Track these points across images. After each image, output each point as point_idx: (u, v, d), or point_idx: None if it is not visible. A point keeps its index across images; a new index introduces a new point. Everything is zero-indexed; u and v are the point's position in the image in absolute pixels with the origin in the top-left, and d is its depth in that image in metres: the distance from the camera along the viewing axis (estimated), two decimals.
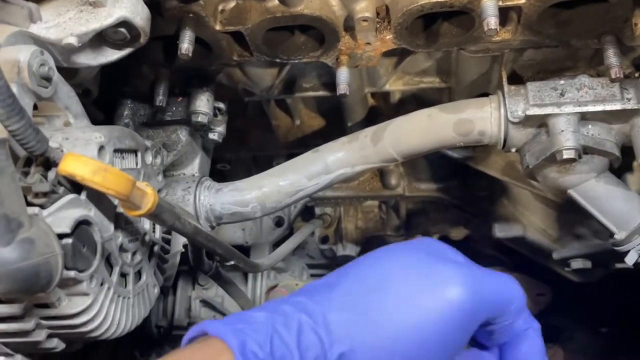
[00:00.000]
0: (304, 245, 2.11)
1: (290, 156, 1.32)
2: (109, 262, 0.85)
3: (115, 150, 0.87)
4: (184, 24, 1.03)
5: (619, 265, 1.50)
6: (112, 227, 0.84)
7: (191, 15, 1.03)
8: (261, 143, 1.68)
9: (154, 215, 0.74)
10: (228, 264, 1.09)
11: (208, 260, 1.18)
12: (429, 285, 0.63)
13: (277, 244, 1.79)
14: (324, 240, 2.00)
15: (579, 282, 1.74)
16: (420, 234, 2.08)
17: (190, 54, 1.02)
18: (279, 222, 1.82)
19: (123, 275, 0.89)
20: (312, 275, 2.16)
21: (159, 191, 1.04)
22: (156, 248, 1.01)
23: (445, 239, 2.14)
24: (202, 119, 1.21)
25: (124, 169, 0.89)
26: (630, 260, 1.12)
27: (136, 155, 0.95)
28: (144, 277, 0.95)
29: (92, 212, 0.78)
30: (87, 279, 0.76)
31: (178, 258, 1.16)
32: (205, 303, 1.67)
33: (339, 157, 1.25)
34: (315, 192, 1.28)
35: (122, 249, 0.87)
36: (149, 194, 0.70)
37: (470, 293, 0.63)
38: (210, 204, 1.26)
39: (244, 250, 1.81)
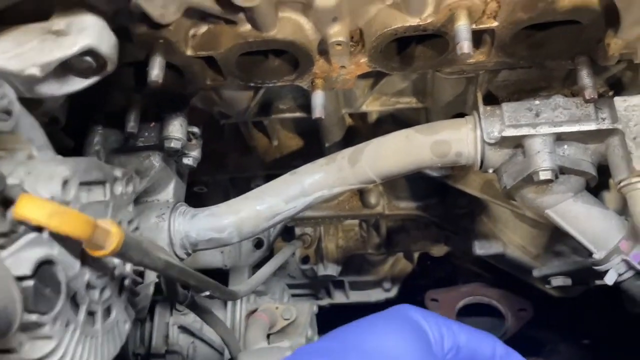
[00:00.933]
0: (285, 266, 2.08)
1: (269, 177, 1.30)
2: (74, 301, 0.81)
3: (82, 183, 0.84)
4: (154, 49, 1.01)
5: (598, 282, 1.50)
6: (78, 264, 0.80)
7: (161, 40, 1.00)
8: (239, 165, 1.66)
9: (120, 254, 0.71)
10: (203, 294, 1.06)
11: (183, 290, 1.15)
12: None
13: (257, 266, 1.76)
14: (305, 260, 1.98)
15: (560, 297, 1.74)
16: (401, 251, 2.08)
17: (160, 81, 0.99)
18: (258, 244, 1.79)
19: (91, 313, 0.85)
20: (294, 296, 2.13)
21: (130, 222, 1.00)
22: (127, 282, 0.97)
23: (426, 256, 2.14)
24: (175, 144, 1.18)
25: (90, 203, 0.86)
26: (609, 279, 1.11)
27: (104, 187, 0.91)
28: (113, 314, 0.92)
29: (55, 251, 0.74)
30: (50, 322, 0.72)
31: (152, 289, 1.12)
32: (184, 329, 1.63)
33: (316, 179, 1.24)
34: (293, 215, 1.26)
35: (89, 286, 0.84)
36: (113, 233, 0.67)
37: None
38: (186, 231, 1.23)
39: (223, 273, 1.77)
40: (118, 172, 0.99)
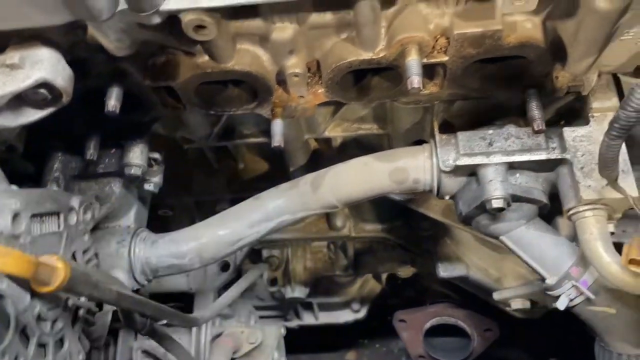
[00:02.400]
0: (253, 288, 2.08)
1: (235, 201, 1.31)
2: (25, 334, 0.81)
3: (34, 215, 0.84)
4: (111, 79, 1.02)
5: (555, 305, 1.53)
6: (28, 297, 0.80)
7: (119, 72, 1.01)
8: (204, 188, 1.66)
9: (67, 289, 0.71)
10: (161, 322, 1.06)
11: (141, 317, 1.14)
12: None
13: (224, 288, 1.76)
14: (273, 282, 1.98)
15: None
16: (368, 273, 2.09)
17: (117, 111, 1.00)
18: (224, 267, 1.78)
19: (42, 345, 0.85)
20: (262, 317, 2.13)
21: (85, 251, 1.00)
22: (81, 312, 0.97)
23: (394, 277, 2.15)
24: (135, 171, 1.19)
25: (43, 234, 0.87)
26: (561, 305, 1.15)
27: (58, 218, 0.91)
28: (66, 345, 0.91)
29: (3, 285, 0.74)
30: None
31: (109, 317, 1.12)
32: (148, 354, 1.62)
33: (279, 204, 1.25)
34: (256, 240, 1.26)
35: (40, 318, 0.83)
36: (58, 269, 0.68)
37: None
38: (146, 257, 1.23)
39: (189, 296, 1.76)
40: (74, 202, 0.99)
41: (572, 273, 1.13)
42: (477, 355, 2.06)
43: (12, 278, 0.76)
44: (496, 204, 1.09)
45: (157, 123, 1.29)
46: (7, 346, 0.74)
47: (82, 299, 0.96)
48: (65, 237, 0.93)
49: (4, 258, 0.60)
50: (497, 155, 1.13)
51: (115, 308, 1.14)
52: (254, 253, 1.95)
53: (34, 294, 0.82)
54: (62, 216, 0.92)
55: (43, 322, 0.85)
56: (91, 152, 1.16)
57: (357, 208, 1.77)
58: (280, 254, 1.94)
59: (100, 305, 1.12)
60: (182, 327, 1.48)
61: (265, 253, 1.94)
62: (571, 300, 1.14)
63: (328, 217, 1.81)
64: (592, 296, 1.10)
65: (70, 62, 0.92)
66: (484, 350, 2.05)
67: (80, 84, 0.99)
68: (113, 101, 0.99)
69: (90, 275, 0.78)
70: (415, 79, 0.94)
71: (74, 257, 0.96)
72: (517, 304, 1.50)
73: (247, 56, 1.03)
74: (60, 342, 0.90)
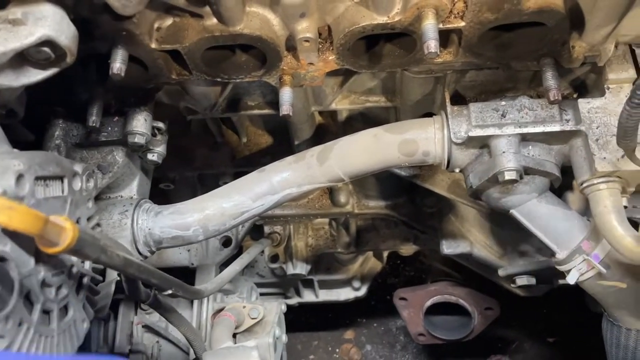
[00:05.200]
0: (254, 264, 2.06)
1: (238, 174, 1.28)
2: (29, 300, 0.78)
3: (38, 178, 0.81)
4: (116, 42, 0.98)
5: (562, 282, 1.52)
6: (32, 261, 0.77)
7: (124, 33, 0.98)
8: (206, 161, 1.63)
9: (75, 251, 0.69)
10: (166, 293, 1.04)
11: (145, 288, 1.12)
12: None
13: (225, 264, 1.74)
14: (274, 259, 1.97)
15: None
16: (370, 250, 2.08)
17: (122, 74, 0.97)
18: (226, 243, 1.76)
19: (46, 312, 0.82)
20: (262, 294, 2.12)
21: (89, 218, 0.98)
22: (85, 279, 0.94)
23: (396, 255, 2.14)
24: (139, 139, 1.16)
25: (47, 198, 0.84)
26: (571, 279, 1.13)
27: (62, 182, 0.88)
28: (70, 313, 0.89)
29: (7, 247, 0.72)
30: (2, 320, 0.70)
31: (113, 287, 1.10)
32: (148, 328, 1.60)
33: (284, 177, 1.23)
34: (260, 213, 1.24)
35: (44, 284, 0.81)
36: (67, 229, 0.65)
37: None
38: (149, 228, 1.20)
39: (190, 272, 1.74)
40: (78, 167, 0.96)
41: (583, 247, 1.12)
42: (477, 333, 2.05)
43: (17, 240, 0.73)
44: (509, 175, 1.07)
45: (161, 91, 1.26)
46: (10, 311, 0.71)
47: (87, 266, 0.94)
48: (70, 202, 0.90)
49: (10, 211, 0.57)
50: (510, 127, 1.11)
51: (118, 279, 1.11)
52: (256, 229, 1.93)
53: (38, 259, 0.80)
54: (66, 181, 0.89)
55: (47, 288, 0.82)
56: (93, 119, 1.13)
57: (360, 184, 1.74)
58: (282, 231, 1.92)
59: (103, 275, 1.10)
60: (187, 298, 1.46)
61: (267, 229, 1.91)
62: (582, 274, 1.12)
63: (331, 193, 1.79)
64: (603, 270, 1.09)
65: (74, 22, 0.89)
66: (484, 329, 2.05)
67: (84, 45, 0.96)
68: (118, 63, 0.96)
69: (98, 239, 0.76)
70: (432, 44, 0.91)
71: (78, 223, 0.93)
72: (523, 281, 1.49)
73: (257, 19, 0.99)
74: (64, 309, 0.88)
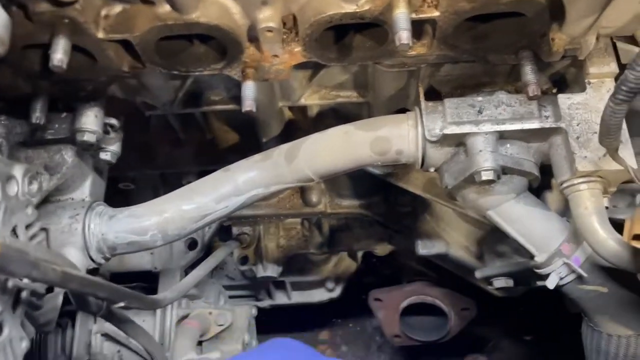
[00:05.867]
0: (223, 266, 1.98)
1: (202, 174, 1.20)
2: None
3: None
4: (57, 30, 0.89)
5: (540, 283, 1.47)
6: None
7: (66, 21, 0.88)
8: (169, 159, 1.54)
9: None
10: (117, 305, 0.96)
11: (96, 300, 1.04)
12: None
13: (192, 267, 1.65)
14: (243, 260, 1.88)
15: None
16: (344, 250, 2.01)
17: (64, 66, 0.87)
18: (191, 245, 1.68)
19: None
20: (232, 297, 2.04)
21: (29, 226, 0.88)
22: (24, 294, 0.85)
23: (371, 254, 2.08)
24: (88, 137, 1.06)
25: None
26: (550, 283, 1.08)
27: None
28: (5, 332, 0.80)
29: None
30: None
31: (60, 300, 1.00)
32: (108, 337, 1.51)
33: (251, 177, 1.15)
34: (225, 215, 1.17)
35: None
36: None
37: None
38: (103, 233, 1.11)
39: (153, 276, 1.65)
40: (16, 170, 0.87)
41: (563, 250, 1.07)
42: (454, 334, 2.01)
43: None
44: (486, 176, 1.01)
45: (114, 85, 1.16)
46: None
47: (25, 280, 0.85)
48: (4, 209, 0.81)
49: None
50: (487, 124, 1.05)
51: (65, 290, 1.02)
52: (224, 230, 1.84)
53: None
54: None
55: None
56: (37, 116, 1.03)
57: (333, 183, 1.67)
58: (251, 231, 1.84)
59: (50, 287, 1.01)
60: (143, 309, 1.37)
61: (235, 230, 1.83)
62: (561, 278, 1.08)
63: (302, 192, 1.72)
64: (584, 274, 1.04)
65: (5, 8, 0.79)
66: (461, 328, 2.01)
67: (21, 34, 0.86)
68: (59, 55, 0.86)
69: (28, 254, 0.67)
70: (403, 34, 0.84)
71: (14, 232, 0.84)
72: (500, 283, 1.45)
73: (214, 7, 0.91)
74: None
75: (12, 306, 0.83)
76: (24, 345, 0.84)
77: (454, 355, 2.44)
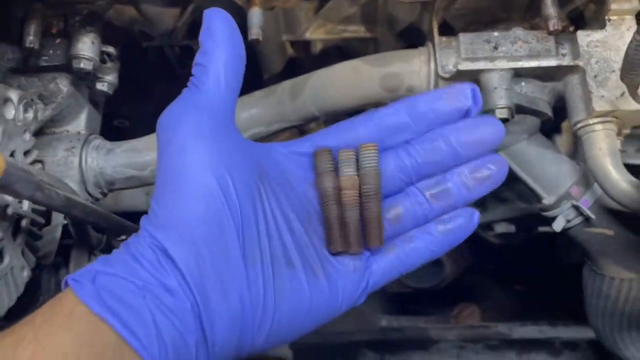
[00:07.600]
0: None
1: None
2: None
3: None
4: None
5: (542, 229, 1.47)
6: None
7: None
8: (166, 96, 1.46)
9: (3, 187, 0.57)
10: (119, 238, 0.93)
11: (97, 233, 1.01)
12: None
13: None
14: None
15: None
16: None
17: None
18: None
19: None
20: None
21: (27, 153, 0.84)
22: (24, 222, 0.82)
23: None
24: (85, 65, 1.01)
25: None
26: (557, 226, 1.07)
27: None
28: (6, 260, 0.77)
29: None
30: None
31: (59, 231, 0.97)
32: None
33: (252, 114, 1.11)
34: None
35: None
36: None
37: None
38: (100, 167, 1.08)
39: None
40: (12, 94, 0.82)
41: (572, 192, 1.05)
42: (449, 281, 2.03)
43: None
44: (500, 114, 0.98)
45: (111, 11, 1.10)
46: None
47: (25, 207, 0.82)
48: (2, 132, 0.76)
49: None
50: (503, 61, 1.01)
51: (65, 222, 0.99)
52: None
53: None
54: None
55: None
56: (31, 39, 0.97)
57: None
58: None
59: (48, 219, 0.97)
60: None
61: None
62: (568, 221, 1.06)
63: (302, 135, 1.68)
64: (592, 216, 1.03)
65: None
66: (455, 277, 2.03)
67: None
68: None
69: (32, 174, 0.63)
70: None
71: (12, 156, 0.80)
72: (502, 228, 1.44)
73: None
74: None
75: (13, 234, 0.80)
76: (26, 274, 0.82)
77: (445, 304, 2.48)
